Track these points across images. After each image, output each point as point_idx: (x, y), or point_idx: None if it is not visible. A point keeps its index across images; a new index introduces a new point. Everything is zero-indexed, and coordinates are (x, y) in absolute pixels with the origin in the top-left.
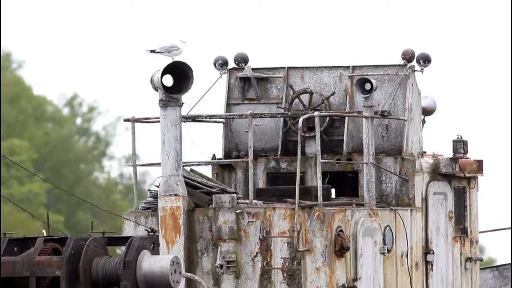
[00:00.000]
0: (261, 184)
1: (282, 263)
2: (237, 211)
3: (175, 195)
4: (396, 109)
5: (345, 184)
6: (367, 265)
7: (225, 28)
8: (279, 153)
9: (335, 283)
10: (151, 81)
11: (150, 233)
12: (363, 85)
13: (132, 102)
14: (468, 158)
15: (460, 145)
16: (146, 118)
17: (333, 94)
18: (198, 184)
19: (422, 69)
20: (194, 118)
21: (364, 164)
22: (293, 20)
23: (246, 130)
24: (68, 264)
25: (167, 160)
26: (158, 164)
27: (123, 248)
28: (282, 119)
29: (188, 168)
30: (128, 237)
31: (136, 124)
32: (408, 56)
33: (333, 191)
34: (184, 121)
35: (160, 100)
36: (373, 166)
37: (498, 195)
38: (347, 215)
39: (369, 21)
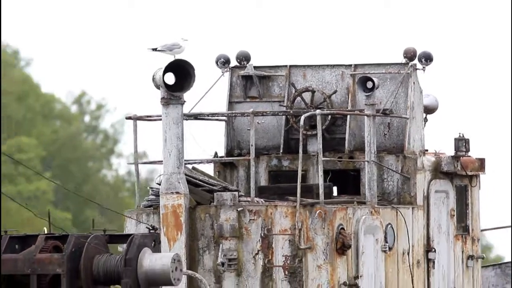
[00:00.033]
0: (263, 182)
1: (284, 261)
2: (239, 209)
3: (177, 193)
4: (398, 107)
5: (347, 182)
6: (368, 263)
7: (227, 26)
8: (281, 151)
9: (336, 281)
10: (153, 79)
11: (151, 231)
12: (365, 83)
13: (140, 100)
14: (470, 156)
15: (462, 143)
16: (148, 116)
17: (335, 92)
18: (199, 182)
19: (424, 67)
20: (196, 116)
21: (366, 162)
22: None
23: (248, 128)
24: (69, 261)
25: (168, 158)
26: (160, 162)
27: (124, 245)
28: (284, 117)
29: (190, 166)
30: (129, 235)
31: (144, 122)
32: (410, 55)
33: (335, 189)
34: (186, 119)
35: (162, 98)
36: (374, 164)
37: (502, 193)
38: (349, 213)
39: (371, 19)
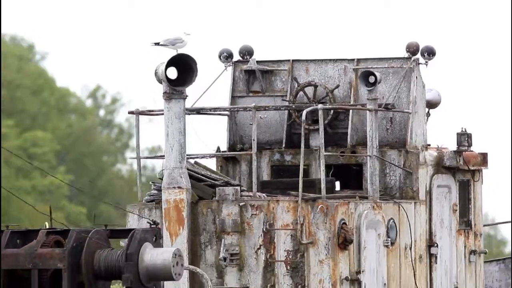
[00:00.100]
0: (266, 176)
1: (286, 256)
2: (241, 204)
3: (179, 187)
4: (401, 102)
5: (349, 176)
6: (370, 258)
7: (230, 20)
8: (283, 145)
9: (338, 276)
10: (155, 73)
11: (152, 226)
12: (367, 78)
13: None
14: (472, 151)
15: (464, 138)
16: (150, 111)
17: (337, 87)
18: (202, 177)
19: (426, 62)
20: (199, 111)
21: (368, 157)
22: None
23: (251, 123)
24: (70, 256)
25: (170, 152)
26: (162, 157)
27: (126, 240)
28: (286, 111)
29: (192, 161)
30: (130, 230)
31: (159, 117)
32: (412, 49)
33: (337, 183)
34: (189, 114)
35: (164, 93)
36: (377, 159)
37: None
38: (351, 207)
39: (374, 14)
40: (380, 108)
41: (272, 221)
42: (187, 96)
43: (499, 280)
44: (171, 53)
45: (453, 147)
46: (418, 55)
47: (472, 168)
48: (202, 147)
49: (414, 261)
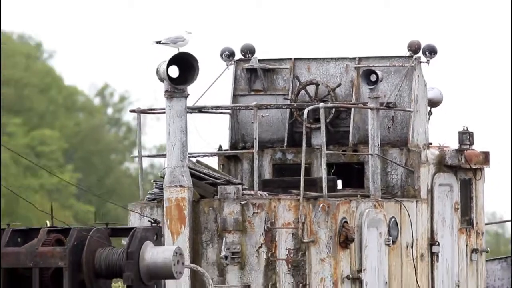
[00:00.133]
0: (268, 175)
1: (287, 254)
2: (242, 202)
3: (181, 186)
4: (402, 100)
5: (351, 175)
6: (372, 257)
7: (231, 19)
8: (285, 144)
9: (339, 274)
10: (157, 72)
11: (153, 224)
12: (369, 76)
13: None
14: (474, 149)
15: (466, 137)
16: (151, 109)
17: (339, 85)
18: (203, 175)
19: (428, 60)
20: (200, 109)
21: (370, 156)
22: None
23: (253, 122)
24: (71, 255)
25: (172, 151)
26: (164, 155)
27: (127, 239)
28: (288, 110)
29: (193, 159)
30: (131, 228)
31: (163, 115)
32: (414, 48)
33: (339, 182)
34: (190, 112)
35: (166, 91)
36: (378, 158)
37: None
38: (352, 206)
39: (375, 12)
40: (381, 107)
41: (273, 220)
42: (188, 94)
43: (501, 278)
44: (172, 51)
45: (455, 145)
46: (420, 54)
47: (474, 166)
48: (204, 145)
49: (415, 260)
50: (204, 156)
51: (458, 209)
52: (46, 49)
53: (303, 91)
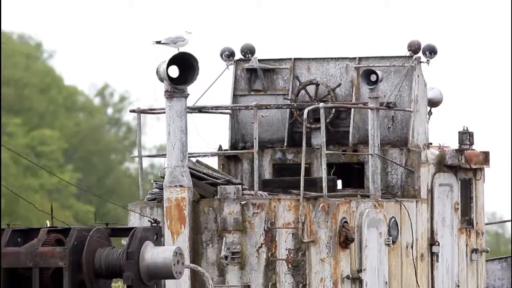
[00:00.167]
0: (268, 175)
1: (287, 254)
2: (242, 202)
3: (181, 186)
4: (402, 100)
5: (351, 175)
6: (372, 257)
7: (231, 19)
8: (285, 144)
9: (339, 274)
10: (157, 72)
11: (153, 224)
12: (369, 76)
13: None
14: (474, 149)
15: (466, 137)
16: (151, 109)
17: (339, 85)
18: (203, 175)
19: (428, 60)
20: (200, 109)
21: (370, 156)
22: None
23: (253, 121)
24: (71, 255)
25: (172, 151)
26: (164, 155)
27: (127, 239)
28: (288, 110)
29: (193, 159)
30: (131, 228)
31: (164, 115)
32: (414, 48)
33: (339, 182)
34: (190, 112)
35: (166, 91)
36: (378, 158)
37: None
38: (352, 206)
39: (375, 12)
40: (381, 107)
41: (273, 220)
42: (188, 94)
43: (502, 278)
44: (172, 51)
45: (455, 145)
46: (420, 54)
47: (474, 166)
48: (204, 145)
49: (415, 260)
50: (204, 156)
51: (458, 209)
52: (46, 49)
53: (303, 91)
